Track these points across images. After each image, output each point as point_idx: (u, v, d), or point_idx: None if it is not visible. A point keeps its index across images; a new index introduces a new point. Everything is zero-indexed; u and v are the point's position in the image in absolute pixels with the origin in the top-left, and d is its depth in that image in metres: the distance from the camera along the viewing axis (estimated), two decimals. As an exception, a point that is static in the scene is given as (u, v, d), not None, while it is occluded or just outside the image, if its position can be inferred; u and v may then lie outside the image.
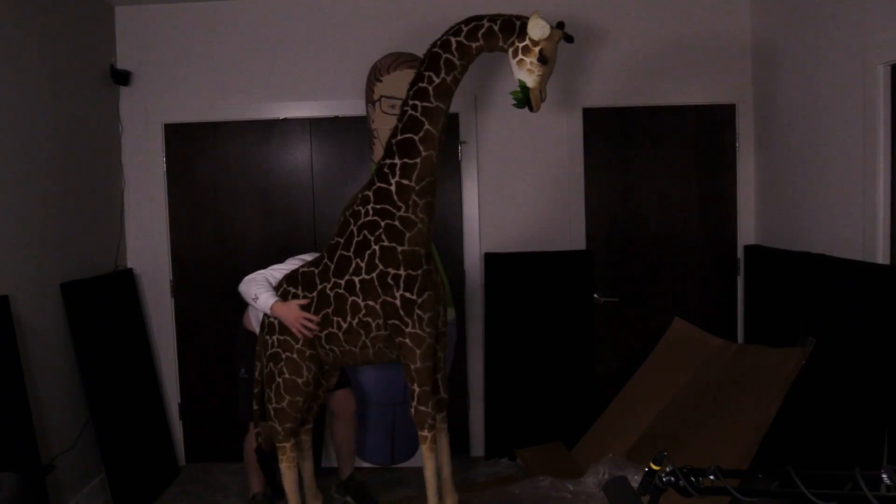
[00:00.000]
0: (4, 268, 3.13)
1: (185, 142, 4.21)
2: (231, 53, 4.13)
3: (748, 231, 4.06)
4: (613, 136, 4.14)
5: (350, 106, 4.05)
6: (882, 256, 2.79)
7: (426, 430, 2.84)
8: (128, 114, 4.17)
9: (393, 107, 3.66)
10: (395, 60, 3.71)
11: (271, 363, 2.96)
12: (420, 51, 3.87)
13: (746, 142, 4.03)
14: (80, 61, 3.80)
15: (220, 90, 4.14)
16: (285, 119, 4.16)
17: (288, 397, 2.94)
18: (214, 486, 3.95)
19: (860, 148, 2.90)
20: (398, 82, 3.66)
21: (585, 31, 3.97)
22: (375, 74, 3.73)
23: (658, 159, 4.12)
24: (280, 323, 2.94)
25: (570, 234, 4.09)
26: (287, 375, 2.92)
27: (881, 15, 2.75)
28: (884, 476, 1.16)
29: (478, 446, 4.16)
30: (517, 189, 4.10)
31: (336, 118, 4.14)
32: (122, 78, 4.08)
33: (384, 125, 3.70)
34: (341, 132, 4.16)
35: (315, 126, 4.17)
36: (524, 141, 4.08)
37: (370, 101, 3.75)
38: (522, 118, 4.04)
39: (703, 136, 4.11)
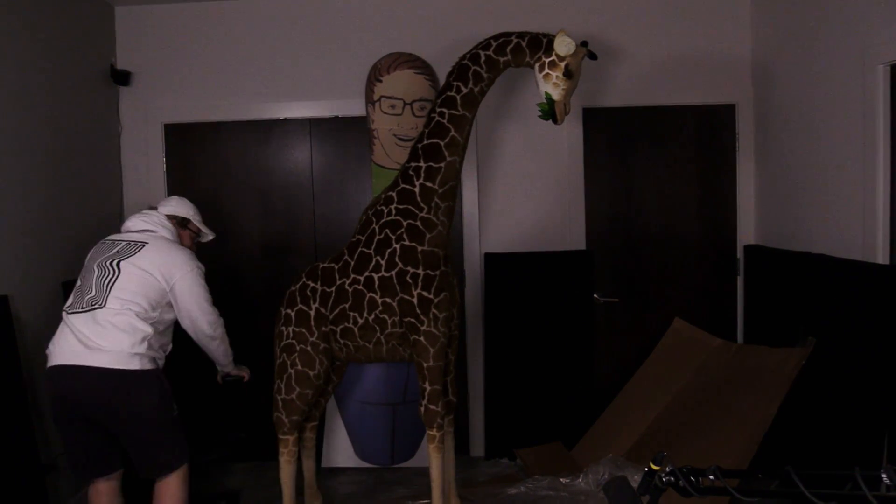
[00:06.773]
0: (4, 268, 3.13)
1: (185, 142, 4.20)
2: (231, 53, 4.13)
3: (748, 231, 4.05)
4: (614, 136, 4.14)
5: (350, 106, 4.04)
6: (882, 256, 2.79)
7: (435, 430, 2.87)
8: (128, 114, 4.16)
9: (393, 107, 3.66)
10: (395, 60, 3.71)
11: (284, 354, 3.01)
12: (419, 51, 3.91)
13: (746, 142, 4.03)
14: (80, 61, 3.79)
15: (220, 90, 4.14)
16: (285, 119, 4.16)
17: (298, 389, 2.98)
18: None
19: (860, 148, 2.90)
20: (398, 82, 3.67)
21: (586, 35, 3.96)
22: (375, 74, 3.73)
23: (658, 159, 4.12)
24: (296, 314, 2.99)
25: (570, 234, 4.08)
26: (299, 367, 2.97)
27: (881, 15, 2.75)
28: (884, 476, 1.16)
29: (478, 446, 4.16)
30: (517, 189, 4.10)
31: (336, 118, 4.14)
32: (122, 78, 4.08)
33: (384, 125, 3.70)
34: (341, 132, 4.16)
35: (315, 126, 4.17)
36: (524, 141, 4.08)
37: (370, 101, 3.75)
38: (522, 118, 4.04)
39: (703, 136, 4.11)
